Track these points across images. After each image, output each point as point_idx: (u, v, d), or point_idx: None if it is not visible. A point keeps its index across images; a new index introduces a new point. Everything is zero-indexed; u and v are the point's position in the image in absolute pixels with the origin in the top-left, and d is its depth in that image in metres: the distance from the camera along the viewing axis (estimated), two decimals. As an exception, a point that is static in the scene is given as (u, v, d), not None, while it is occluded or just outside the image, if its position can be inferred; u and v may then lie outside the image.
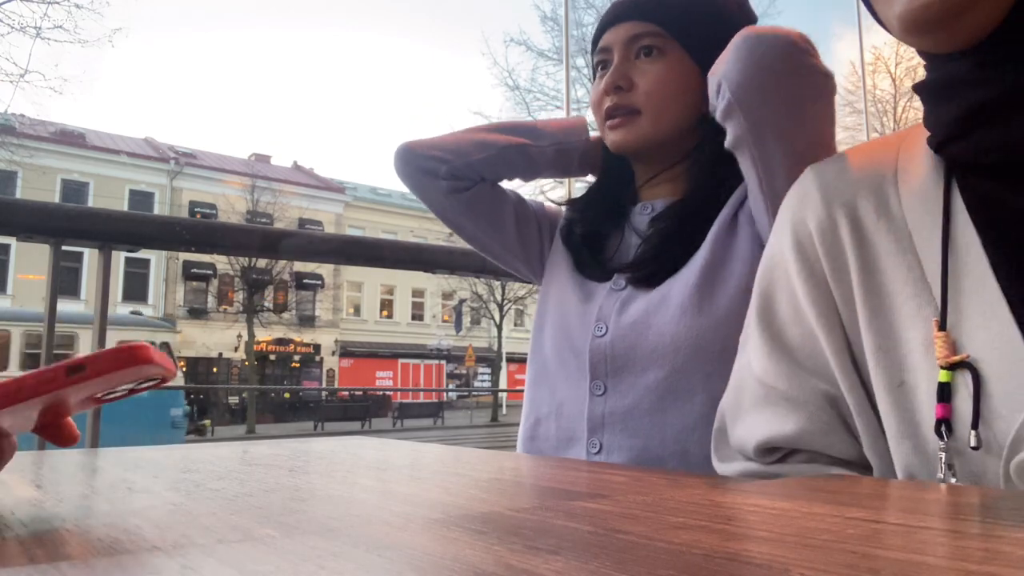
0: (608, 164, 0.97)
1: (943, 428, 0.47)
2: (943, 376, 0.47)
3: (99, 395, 0.40)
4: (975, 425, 0.45)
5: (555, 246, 1.00)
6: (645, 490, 0.46)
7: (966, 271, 0.49)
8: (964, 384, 0.46)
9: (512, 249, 1.00)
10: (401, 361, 26.18)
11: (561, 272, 0.95)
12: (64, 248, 1.34)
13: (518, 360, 23.55)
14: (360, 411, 18.62)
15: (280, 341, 23.03)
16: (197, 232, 1.54)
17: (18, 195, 18.87)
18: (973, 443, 0.45)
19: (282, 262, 19.74)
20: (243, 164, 25.21)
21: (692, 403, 0.78)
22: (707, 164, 0.86)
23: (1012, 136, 0.48)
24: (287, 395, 22.60)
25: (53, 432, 0.40)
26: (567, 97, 4.21)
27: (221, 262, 21.34)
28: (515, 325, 27.28)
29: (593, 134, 0.97)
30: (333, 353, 24.93)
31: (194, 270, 22.09)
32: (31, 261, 18.40)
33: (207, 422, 15.13)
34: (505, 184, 1.00)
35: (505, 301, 23.10)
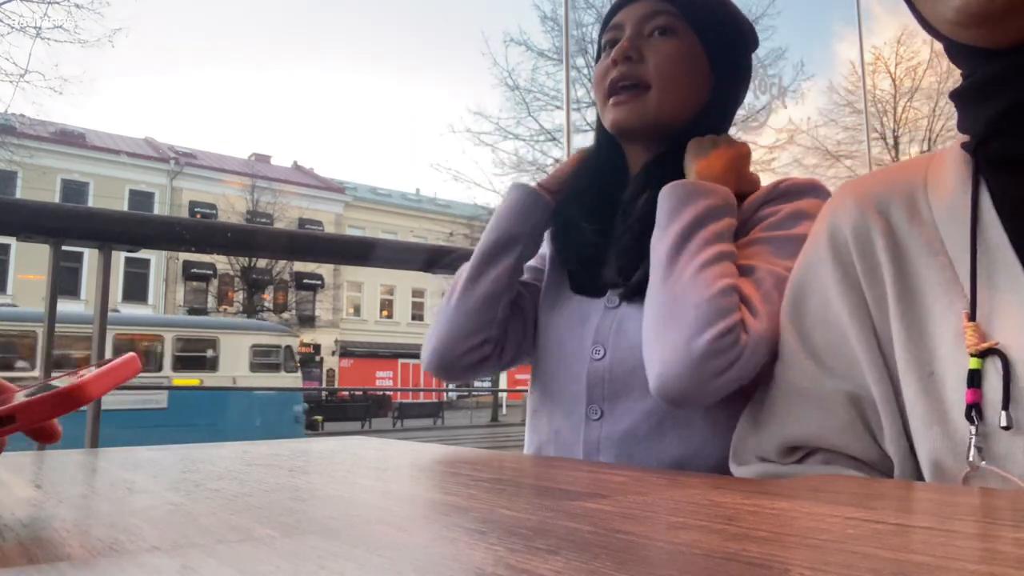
0: (601, 168, 0.94)
1: (973, 413, 0.49)
2: (973, 363, 0.49)
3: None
4: (1005, 406, 0.47)
5: (550, 258, 0.97)
6: (645, 490, 0.46)
7: (995, 266, 0.51)
8: (994, 370, 0.48)
9: None
10: (401, 361, 26.17)
11: (552, 292, 0.92)
12: (64, 248, 1.35)
13: (518, 360, 23.45)
14: (360, 411, 18.66)
15: (280, 341, 23.01)
16: (197, 232, 1.54)
17: (18, 195, 18.86)
18: (1004, 423, 0.47)
19: (282, 262, 19.76)
20: (243, 164, 25.21)
21: (691, 429, 0.76)
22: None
23: None
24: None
25: (33, 433, 0.39)
26: (567, 97, 4.20)
27: (221, 262, 21.34)
28: (515, 325, 27.17)
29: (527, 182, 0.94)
30: (333, 353, 24.93)
31: (194, 270, 22.09)
32: (31, 261, 18.39)
33: (319, 417, 15.40)
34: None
35: (505, 301, 22.99)
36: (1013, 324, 0.49)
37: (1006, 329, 0.49)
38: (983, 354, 0.49)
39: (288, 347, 12.73)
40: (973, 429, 0.49)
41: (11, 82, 14.09)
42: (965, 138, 0.59)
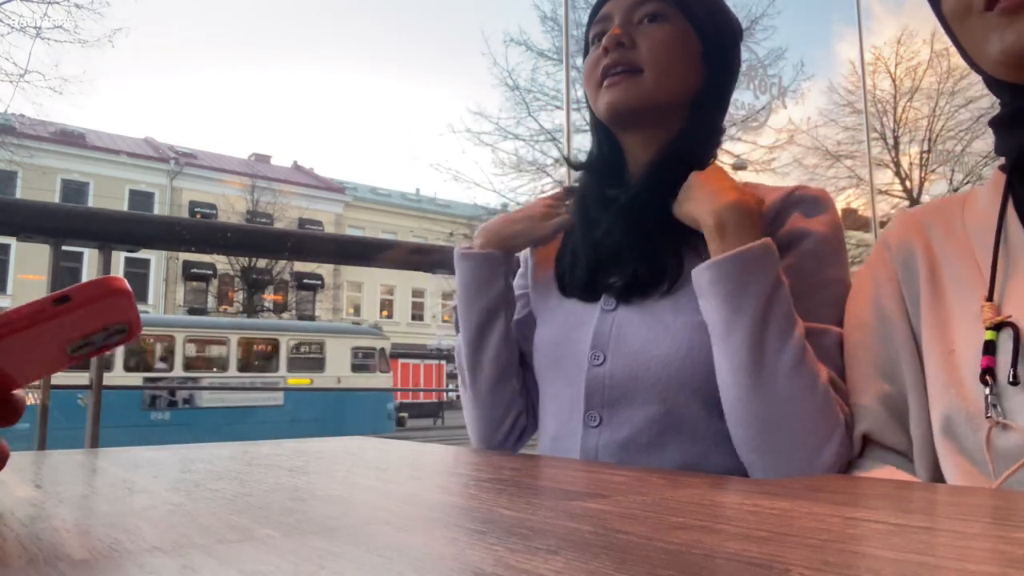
0: (598, 164, 0.92)
1: (987, 376, 0.56)
2: (989, 335, 0.57)
3: (70, 349, 0.39)
4: (1014, 364, 0.55)
5: (532, 267, 0.95)
6: (645, 490, 0.46)
7: (1014, 259, 0.60)
8: (1007, 339, 0.56)
9: None
10: (401, 361, 26.17)
11: (543, 297, 0.91)
12: (64, 248, 1.35)
13: (518, 360, 23.44)
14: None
15: (280, 341, 23.02)
16: (197, 232, 1.54)
17: (18, 195, 18.87)
18: (1011, 379, 0.55)
19: (282, 262, 19.76)
20: (243, 164, 25.21)
21: (694, 439, 0.74)
22: (677, 162, 0.82)
23: None
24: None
25: None
26: (567, 97, 4.20)
27: (221, 262, 21.34)
28: (515, 325, 27.17)
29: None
30: (333, 353, 24.91)
31: (194, 270, 22.08)
32: (31, 261, 18.39)
33: (404, 414, 15.99)
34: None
35: (505, 301, 22.99)
36: None
37: (1019, 306, 0.57)
38: (997, 327, 0.57)
39: (382, 349, 13.82)
40: (987, 390, 0.56)
41: (11, 82, 14.10)
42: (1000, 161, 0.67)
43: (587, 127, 0.98)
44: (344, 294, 25.40)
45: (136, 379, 11.42)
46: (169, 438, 9.43)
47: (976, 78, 0.67)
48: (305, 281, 23.50)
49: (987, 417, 0.56)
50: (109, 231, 1.39)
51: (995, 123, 0.66)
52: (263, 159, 27.43)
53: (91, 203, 20.00)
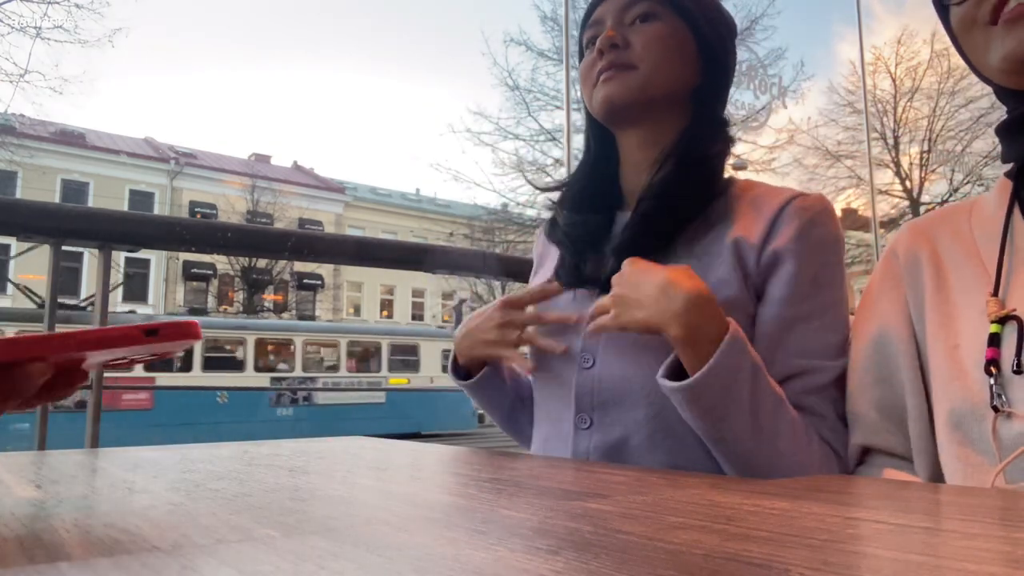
0: (596, 165, 0.92)
1: (992, 368, 0.57)
2: (993, 328, 0.59)
3: (112, 361, 0.46)
4: (1018, 354, 0.56)
5: (535, 270, 0.96)
6: (645, 490, 0.46)
7: (1019, 258, 0.62)
8: (1011, 332, 0.58)
9: None
10: (401, 361, 26.16)
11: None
12: (64, 248, 1.35)
13: (518, 360, 23.45)
14: None
15: (280, 341, 23.06)
16: (197, 232, 1.54)
17: (18, 195, 18.86)
18: (1015, 368, 0.56)
19: (282, 262, 19.76)
20: (243, 164, 25.20)
21: (684, 441, 0.74)
22: (685, 162, 0.82)
23: None
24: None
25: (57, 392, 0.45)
26: (567, 97, 4.20)
27: (221, 262, 21.33)
28: (515, 325, 27.16)
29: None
30: (333, 353, 24.92)
31: (194, 270, 22.08)
32: (31, 261, 18.36)
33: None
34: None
35: (505, 301, 23.00)
36: None
37: (1022, 302, 0.58)
38: (1002, 321, 0.58)
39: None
40: (992, 381, 0.57)
41: (11, 82, 14.09)
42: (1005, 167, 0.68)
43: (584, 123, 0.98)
44: (344, 294, 25.39)
45: (264, 379, 12.72)
46: (293, 431, 11.50)
47: (976, 78, 0.69)
48: (305, 281, 23.49)
49: (992, 407, 0.57)
50: (109, 231, 1.39)
51: (1000, 130, 0.67)
52: (263, 159, 27.42)
53: (91, 203, 20.00)
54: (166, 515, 0.38)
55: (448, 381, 0.96)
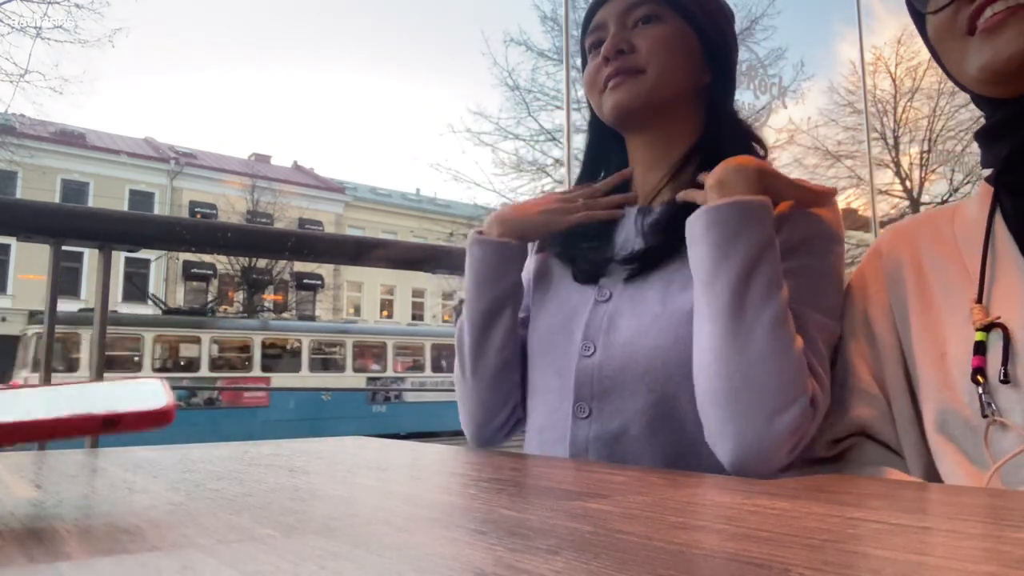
0: (605, 160, 0.94)
1: (979, 376, 0.58)
2: (979, 336, 0.59)
3: None
4: (1004, 363, 0.57)
5: (532, 262, 0.95)
6: (645, 490, 0.46)
7: (1001, 263, 0.62)
8: (996, 339, 0.58)
9: None
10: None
11: (544, 282, 0.91)
12: (64, 248, 1.35)
13: (518, 360, 23.49)
14: None
15: (280, 341, 23.08)
16: (197, 232, 1.54)
17: (18, 195, 18.86)
18: (1002, 377, 0.57)
19: (282, 262, 19.77)
20: (243, 164, 25.19)
21: (683, 430, 0.74)
22: (712, 158, 0.81)
23: None
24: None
25: None
26: (567, 97, 4.20)
27: (221, 262, 21.32)
28: (515, 325, 27.18)
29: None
30: (334, 353, 24.93)
31: (194, 270, 22.07)
32: (31, 261, 18.39)
33: None
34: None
35: (505, 301, 23.00)
36: (1014, 304, 0.59)
37: (1007, 308, 0.59)
38: (987, 328, 0.59)
39: None
40: (980, 390, 0.58)
41: (11, 82, 14.09)
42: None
43: (587, 127, 0.98)
44: (344, 294, 25.39)
45: (361, 380, 14.14)
46: (387, 426, 12.81)
47: None
48: (305, 281, 23.49)
49: (984, 416, 0.57)
50: (109, 231, 1.39)
51: (979, 136, 0.69)
52: (263, 159, 27.42)
53: (91, 203, 20.00)
54: (166, 515, 0.38)
55: None
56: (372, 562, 0.27)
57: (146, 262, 21.37)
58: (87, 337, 12.94)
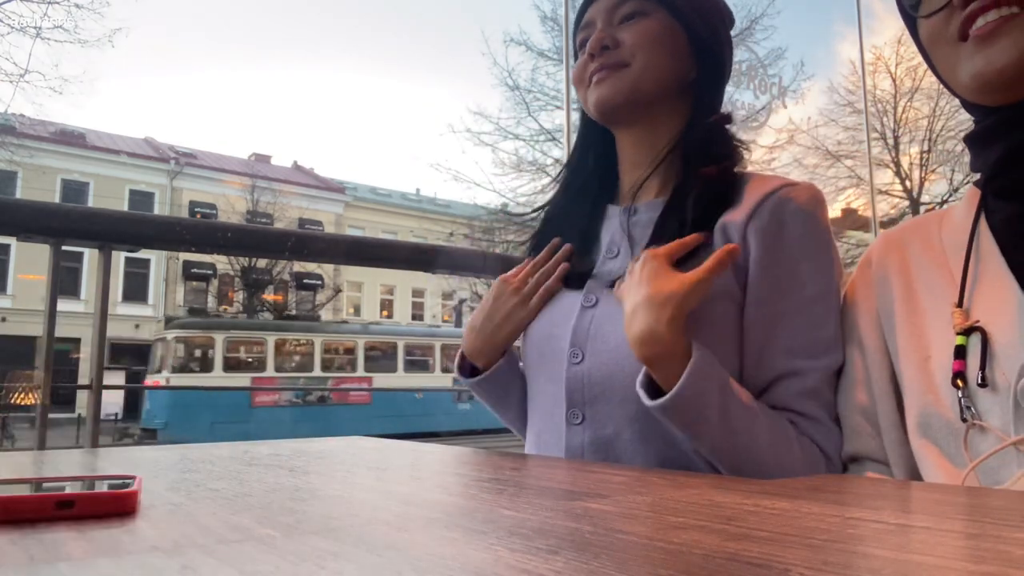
0: (589, 160, 0.94)
1: (959, 380, 0.59)
2: (959, 340, 0.60)
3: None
4: (983, 367, 0.58)
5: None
6: (645, 490, 0.46)
7: (984, 268, 0.62)
8: (976, 344, 0.59)
9: None
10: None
11: None
12: (64, 248, 1.35)
13: (518, 360, 23.56)
14: None
15: (281, 341, 23.10)
16: (197, 232, 1.54)
17: (18, 195, 18.87)
18: (979, 381, 0.57)
19: (282, 262, 19.78)
20: (243, 164, 25.20)
21: (676, 437, 0.73)
22: (694, 156, 0.82)
23: None
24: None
25: None
26: (567, 97, 4.20)
27: (221, 262, 21.33)
28: (515, 325, 27.16)
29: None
30: (334, 353, 24.94)
31: (194, 270, 22.08)
32: (31, 261, 18.39)
33: None
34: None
35: (505, 301, 23.00)
36: (993, 308, 0.60)
37: (988, 312, 0.60)
38: (967, 332, 0.60)
39: None
40: (960, 393, 0.59)
41: (11, 82, 14.10)
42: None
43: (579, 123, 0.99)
44: (344, 294, 25.39)
45: (447, 380, 15.91)
46: (471, 423, 14.49)
47: None
48: (305, 281, 23.49)
49: (963, 420, 0.58)
50: (109, 231, 1.39)
51: (969, 140, 0.69)
52: (263, 159, 27.43)
53: (91, 203, 20.00)
54: (166, 515, 0.38)
55: None
56: (372, 562, 0.27)
57: (146, 262, 21.38)
58: (220, 339, 14.83)
